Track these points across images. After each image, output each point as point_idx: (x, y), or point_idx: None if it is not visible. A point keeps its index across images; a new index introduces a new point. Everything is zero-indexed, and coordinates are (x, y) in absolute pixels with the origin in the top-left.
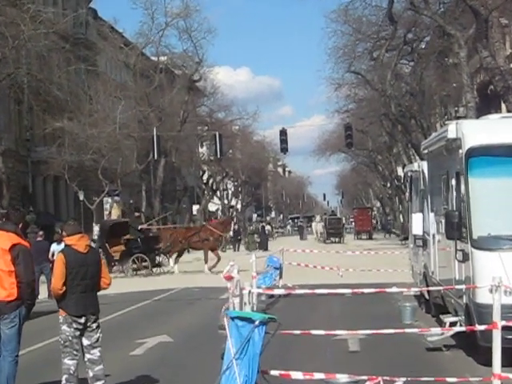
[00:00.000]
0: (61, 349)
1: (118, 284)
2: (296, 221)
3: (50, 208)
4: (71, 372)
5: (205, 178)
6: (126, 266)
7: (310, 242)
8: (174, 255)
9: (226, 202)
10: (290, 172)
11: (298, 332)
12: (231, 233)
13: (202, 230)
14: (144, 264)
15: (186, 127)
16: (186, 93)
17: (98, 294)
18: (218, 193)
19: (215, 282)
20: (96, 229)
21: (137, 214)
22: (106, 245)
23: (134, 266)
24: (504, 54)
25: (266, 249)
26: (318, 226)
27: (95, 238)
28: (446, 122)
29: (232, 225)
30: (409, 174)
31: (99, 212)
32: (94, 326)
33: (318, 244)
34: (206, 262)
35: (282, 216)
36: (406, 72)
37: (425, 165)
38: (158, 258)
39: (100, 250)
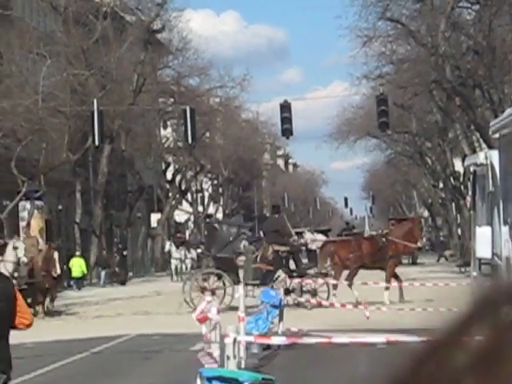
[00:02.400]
0: None
1: (40, 328)
2: None
3: None
4: None
5: (169, 173)
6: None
7: None
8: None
9: (200, 208)
10: (295, 166)
11: None
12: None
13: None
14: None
15: (141, 99)
16: (141, 49)
17: (11, 342)
18: (189, 196)
19: (184, 327)
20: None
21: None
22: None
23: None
24: None
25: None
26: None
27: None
28: None
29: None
30: (472, 168)
31: (12, 222)
32: None
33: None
34: (387, 287)
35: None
36: (467, 20)
37: (496, 155)
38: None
39: None
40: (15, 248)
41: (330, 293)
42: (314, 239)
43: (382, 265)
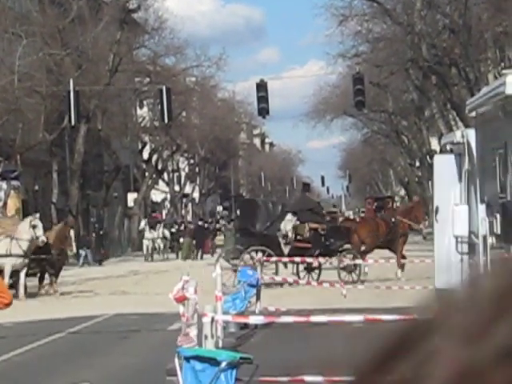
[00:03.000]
0: None
1: (17, 308)
2: None
3: None
4: None
5: (146, 153)
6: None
7: None
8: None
9: (176, 188)
10: (272, 145)
11: (284, 379)
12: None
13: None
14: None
15: (117, 79)
16: (117, 28)
17: None
18: (166, 175)
19: (161, 306)
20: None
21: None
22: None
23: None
24: None
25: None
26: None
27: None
28: (504, 72)
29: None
30: (448, 147)
31: None
32: None
33: None
34: (400, 266)
35: None
36: None
37: (472, 134)
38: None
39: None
40: (34, 226)
41: (360, 271)
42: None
43: (392, 244)
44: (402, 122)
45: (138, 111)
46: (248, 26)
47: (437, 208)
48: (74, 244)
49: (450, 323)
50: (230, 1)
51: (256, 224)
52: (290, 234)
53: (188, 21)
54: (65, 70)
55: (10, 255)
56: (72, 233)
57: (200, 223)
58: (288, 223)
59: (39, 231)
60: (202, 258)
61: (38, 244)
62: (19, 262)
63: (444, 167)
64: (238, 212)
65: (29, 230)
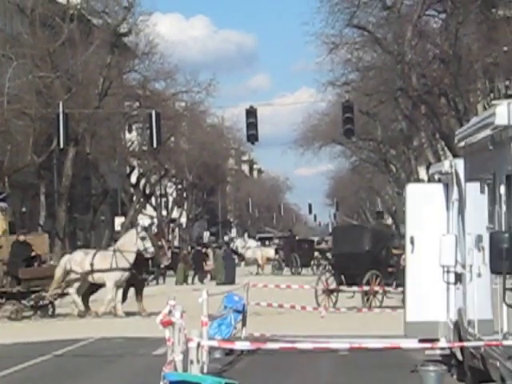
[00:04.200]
0: None
1: (1, 331)
2: (268, 242)
3: None
4: None
5: (134, 177)
6: None
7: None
8: None
9: (164, 213)
10: (260, 171)
11: None
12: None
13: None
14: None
15: (107, 102)
16: (107, 52)
17: None
18: (153, 200)
19: (147, 330)
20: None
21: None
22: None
23: None
24: None
25: (232, 282)
26: (257, 251)
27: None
28: (493, 102)
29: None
30: (436, 177)
31: None
32: None
33: (292, 277)
34: None
35: (246, 235)
36: (434, 28)
37: (460, 164)
38: None
39: None
40: (143, 238)
41: None
42: (245, 245)
43: None
44: (390, 150)
45: (127, 135)
46: (240, 52)
47: (412, 238)
48: (168, 252)
49: None
50: (222, 26)
51: (365, 248)
52: (260, 261)
53: (180, 45)
54: (54, 93)
55: (116, 269)
56: (164, 241)
57: (199, 248)
58: (257, 250)
59: (148, 243)
60: (202, 281)
61: (145, 256)
62: (125, 277)
63: (417, 197)
64: (336, 237)
65: (136, 242)
